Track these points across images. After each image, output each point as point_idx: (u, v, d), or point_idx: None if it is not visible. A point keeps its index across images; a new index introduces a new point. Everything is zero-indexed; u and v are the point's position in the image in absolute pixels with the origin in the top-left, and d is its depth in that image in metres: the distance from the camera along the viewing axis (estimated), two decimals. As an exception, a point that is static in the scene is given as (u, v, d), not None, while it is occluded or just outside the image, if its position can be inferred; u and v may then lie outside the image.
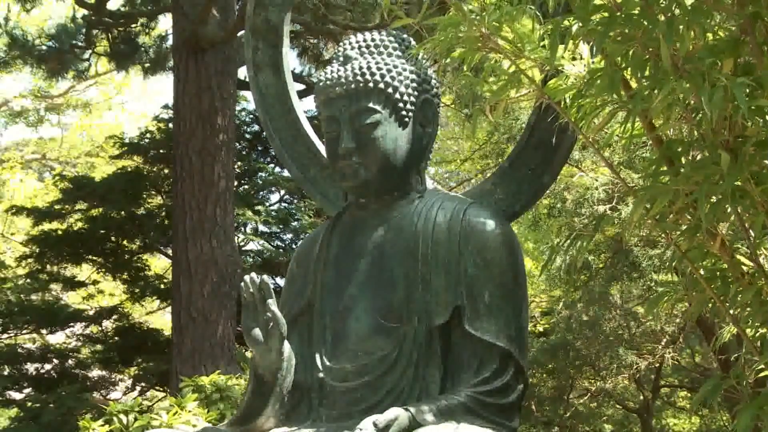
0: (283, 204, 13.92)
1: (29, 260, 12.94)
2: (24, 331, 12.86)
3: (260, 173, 13.75)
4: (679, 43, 2.36)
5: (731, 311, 2.75)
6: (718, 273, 2.77)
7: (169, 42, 12.42)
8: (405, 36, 3.36)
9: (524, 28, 2.73)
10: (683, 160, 2.65)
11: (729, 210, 2.52)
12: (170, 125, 12.43)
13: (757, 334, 2.79)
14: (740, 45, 2.43)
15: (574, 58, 2.74)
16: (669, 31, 2.32)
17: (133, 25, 12.48)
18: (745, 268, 2.70)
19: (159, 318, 16.89)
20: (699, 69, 2.34)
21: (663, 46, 2.34)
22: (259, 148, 14.16)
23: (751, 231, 2.59)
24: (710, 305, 2.83)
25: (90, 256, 12.87)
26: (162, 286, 13.11)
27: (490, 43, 2.69)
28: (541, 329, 12.38)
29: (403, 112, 3.20)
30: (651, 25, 2.42)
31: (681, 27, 2.36)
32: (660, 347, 9.66)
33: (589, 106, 2.68)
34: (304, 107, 13.42)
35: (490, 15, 2.64)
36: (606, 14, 2.53)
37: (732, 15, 2.44)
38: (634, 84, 2.71)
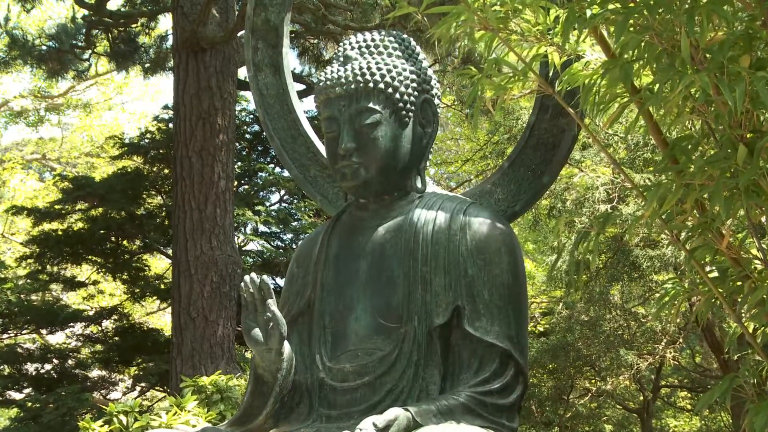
0: (283, 204, 13.92)
1: (29, 260, 12.94)
2: (24, 331, 12.86)
3: (260, 173, 13.75)
4: (698, 34, 2.34)
5: (741, 310, 2.74)
6: (726, 272, 2.75)
7: (169, 42, 12.42)
8: (405, 36, 3.35)
9: (535, 17, 2.73)
10: (693, 156, 2.63)
11: (739, 206, 2.50)
12: (170, 125, 12.43)
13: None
14: (755, 39, 2.42)
15: (594, 44, 2.73)
16: (690, 22, 2.30)
17: (133, 25, 12.47)
18: (754, 265, 2.69)
19: (159, 318, 16.90)
20: (718, 62, 2.32)
21: (683, 38, 2.31)
22: (259, 148, 14.17)
23: (761, 228, 2.58)
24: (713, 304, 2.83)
25: (90, 256, 12.87)
26: (162, 286, 13.11)
27: (511, 24, 2.68)
28: (541, 329, 12.39)
29: (403, 112, 3.20)
30: (669, 15, 2.39)
31: (698, 18, 2.33)
32: (660, 347, 9.66)
33: (608, 93, 2.66)
34: (304, 107, 13.45)
35: (504, 4, 2.63)
36: (618, 5, 2.51)
37: (750, 8, 2.43)
38: (638, 83, 2.70)
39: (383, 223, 3.24)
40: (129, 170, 13.04)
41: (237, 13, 10.72)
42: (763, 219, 2.72)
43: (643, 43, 2.52)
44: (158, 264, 16.16)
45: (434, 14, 2.97)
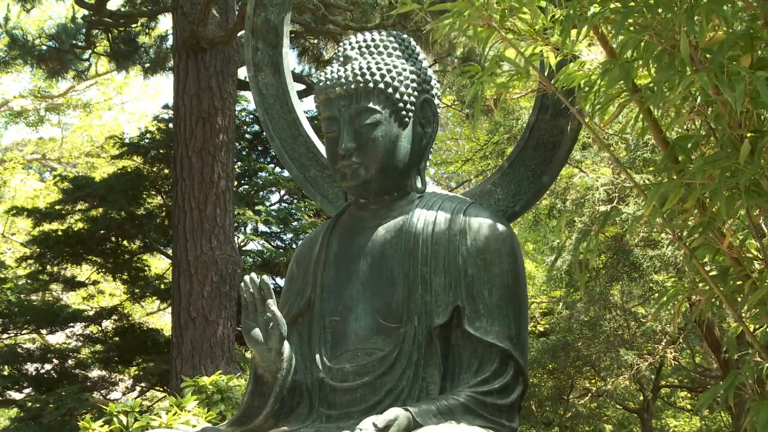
0: (283, 204, 13.92)
1: (30, 261, 12.94)
2: (24, 331, 12.86)
3: (260, 173, 13.75)
4: (698, 34, 2.33)
5: (741, 310, 2.74)
6: (727, 271, 2.75)
7: (169, 42, 12.42)
8: (405, 36, 3.35)
9: (535, 16, 2.73)
10: (693, 156, 2.64)
11: (739, 205, 2.50)
12: (170, 125, 12.43)
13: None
14: (756, 39, 2.41)
15: (591, 45, 2.73)
16: (690, 21, 2.30)
17: (133, 25, 12.48)
18: (755, 265, 2.69)
19: (159, 318, 16.90)
20: (718, 61, 2.32)
21: (683, 37, 2.31)
22: (259, 148, 14.17)
23: (763, 227, 2.58)
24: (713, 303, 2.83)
25: (90, 257, 12.87)
26: (162, 286, 13.11)
27: (507, 23, 2.68)
28: (541, 329, 12.39)
29: (403, 112, 3.20)
30: (669, 14, 2.39)
31: (698, 18, 2.33)
32: (660, 347, 9.66)
33: (606, 95, 2.66)
34: (304, 107, 13.42)
35: (500, 3, 2.63)
36: (618, 4, 2.51)
37: (752, 8, 2.42)
38: (638, 83, 2.70)
39: (383, 223, 3.24)
40: (129, 170, 13.04)
41: (237, 13, 10.72)
42: (761, 220, 2.72)
43: (642, 43, 2.52)
44: (158, 264, 16.16)
45: (437, 11, 2.97)
